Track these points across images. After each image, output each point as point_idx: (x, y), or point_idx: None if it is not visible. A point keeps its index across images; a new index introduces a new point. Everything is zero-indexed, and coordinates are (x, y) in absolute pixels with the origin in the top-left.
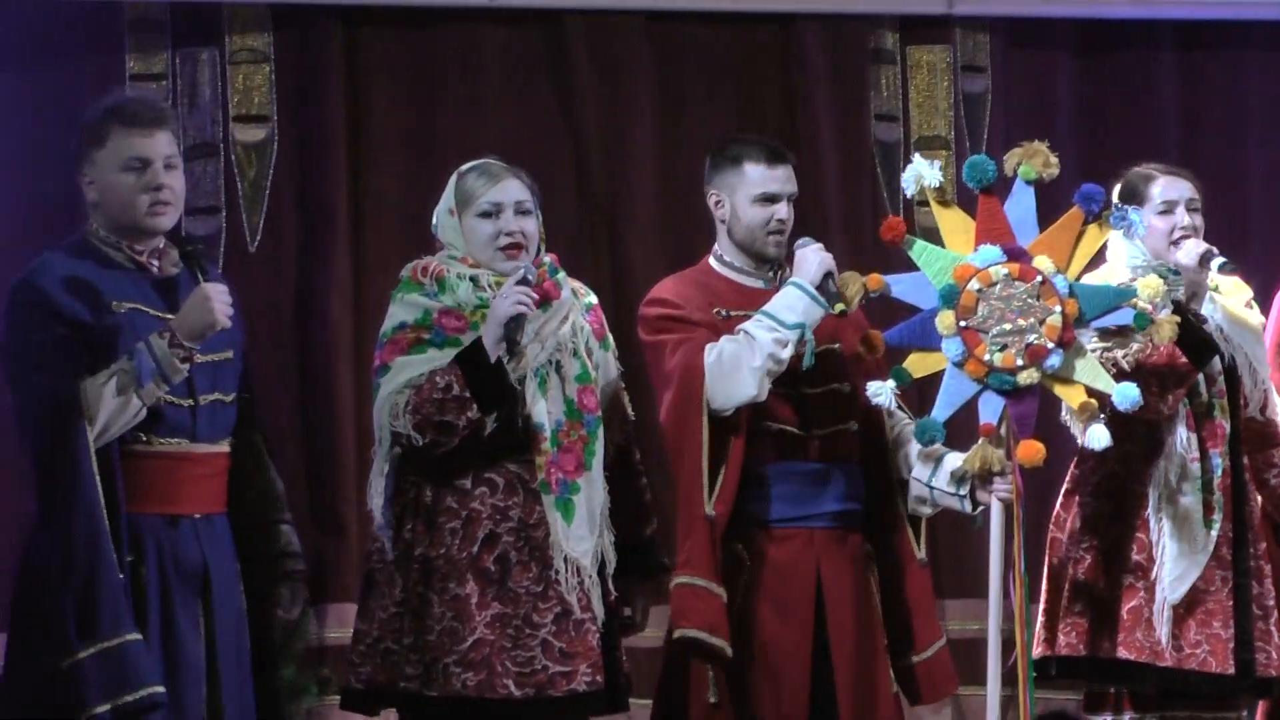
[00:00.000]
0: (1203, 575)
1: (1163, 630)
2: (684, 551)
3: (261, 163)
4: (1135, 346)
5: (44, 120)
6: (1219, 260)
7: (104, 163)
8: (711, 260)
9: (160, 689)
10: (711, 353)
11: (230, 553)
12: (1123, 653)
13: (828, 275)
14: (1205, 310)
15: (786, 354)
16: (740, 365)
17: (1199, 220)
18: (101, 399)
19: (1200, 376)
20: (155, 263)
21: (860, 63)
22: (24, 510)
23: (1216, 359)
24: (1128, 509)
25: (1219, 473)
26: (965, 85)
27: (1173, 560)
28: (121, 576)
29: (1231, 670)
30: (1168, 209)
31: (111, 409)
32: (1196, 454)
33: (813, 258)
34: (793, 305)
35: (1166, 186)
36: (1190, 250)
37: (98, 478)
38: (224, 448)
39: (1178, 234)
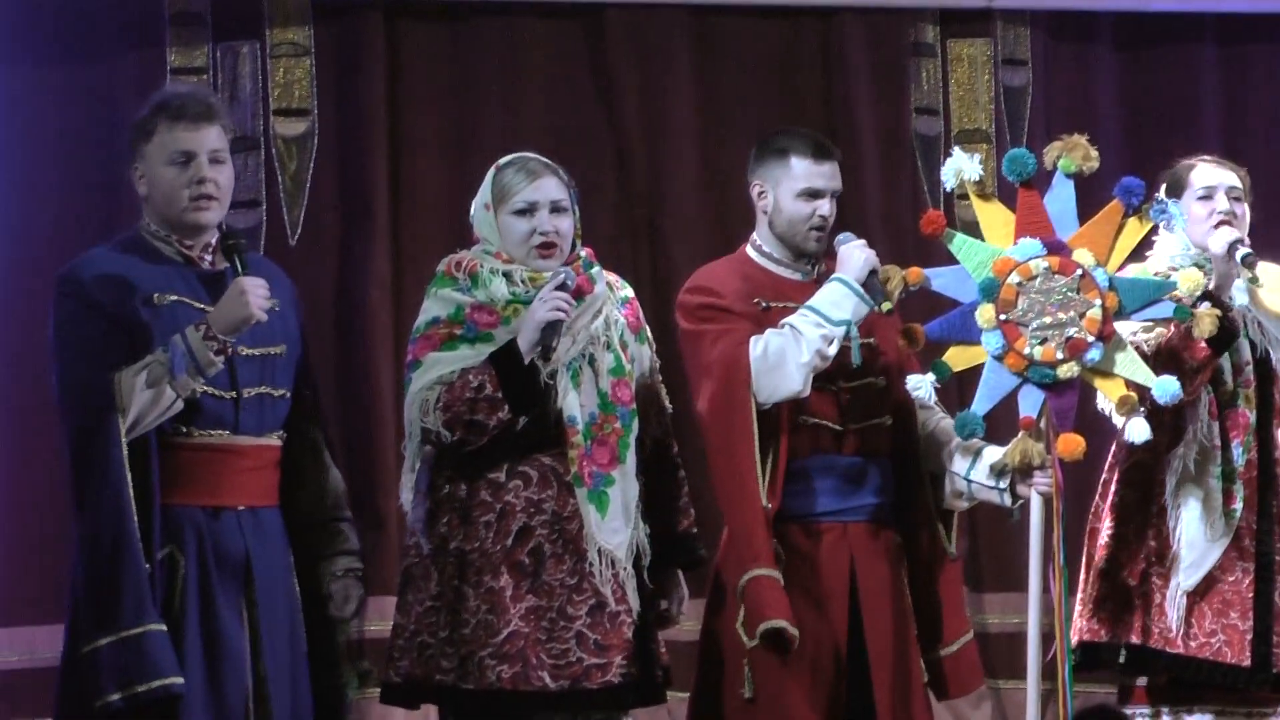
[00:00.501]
0: (1221, 565)
1: (1173, 616)
2: (752, 545)
3: (302, 156)
4: (1157, 331)
5: (86, 114)
6: (1243, 251)
7: (152, 156)
8: (749, 249)
9: (177, 680)
10: (757, 346)
11: (280, 546)
12: (1134, 638)
13: (872, 272)
14: (1235, 300)
15: (833, 350)
16: (786, 360)
17: (1241, 209)
18: (134, 390)
19: (1227, 365)
20: (207, 257)
21: (900, 56)
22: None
23: (1247, 349)
24: (1150, 495)
25: (1241, 462)
26: (1006, 78)
27: (1188, 547)
28: (148, 567)
29: (1248, 662)
30: (1207, 194)
31: (144, 401)
32: (1218, 442)
33: (858, 255)
34: (839, 302)
35: (1207, 173)
36: (1220, 238)
37: (127, 469)
38: (273, 441)
39: (1216, 218)
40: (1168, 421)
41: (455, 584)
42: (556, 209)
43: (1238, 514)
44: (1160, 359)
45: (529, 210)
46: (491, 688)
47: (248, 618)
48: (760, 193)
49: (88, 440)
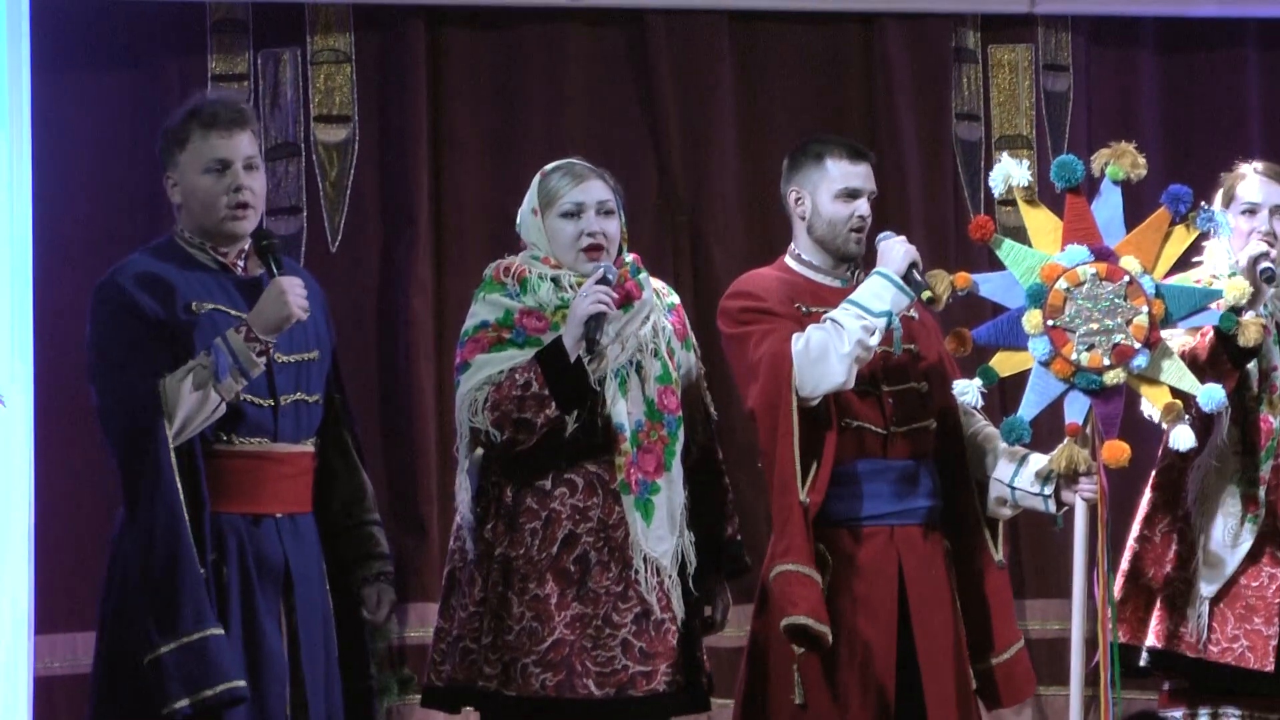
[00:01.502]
0: (1245, 570)
1: (1193, 622)
2: (783, 540)
3: (343, 163)
4: (1182, 340)
5: (128, 121)
6: (1264, 265)
7: (186, 165)
8: (788, 259)
9: (241, 683)
10: (799, 340)
11: (315, 552)
12: (1154, 641)
13: (913, 265)
14: (1263, 312)
15: (875, 341)
16: (828, 352)
17: None
18: (180, 395)
19: (1255, 371)
20: (241, 263)
21: (942, 61)
22: (113, 509)
23: (1276, 354)
24: (1177, 500)
25: (1265, 469)
26: (1047, 84)
27: (1210, 552)
28: (203, 572)
29: (1270, 668)
30: (1251, 210)
31: (190, 405)
32: (1241, 447)
33: (898, 248)
34: (879, 294)
35: (1253, 188)
36: (1247, 251)
37: (177, 474)
38: (308, 447)
39: (1256, 236)
40: (1197, 429)
41: (500, 590)
42: (603, 211)
43: (1260, 520)
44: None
45: (576, 212)
46: (535, 695)
47: (286, 624)
48: (798, 199)
49: (136, 447)
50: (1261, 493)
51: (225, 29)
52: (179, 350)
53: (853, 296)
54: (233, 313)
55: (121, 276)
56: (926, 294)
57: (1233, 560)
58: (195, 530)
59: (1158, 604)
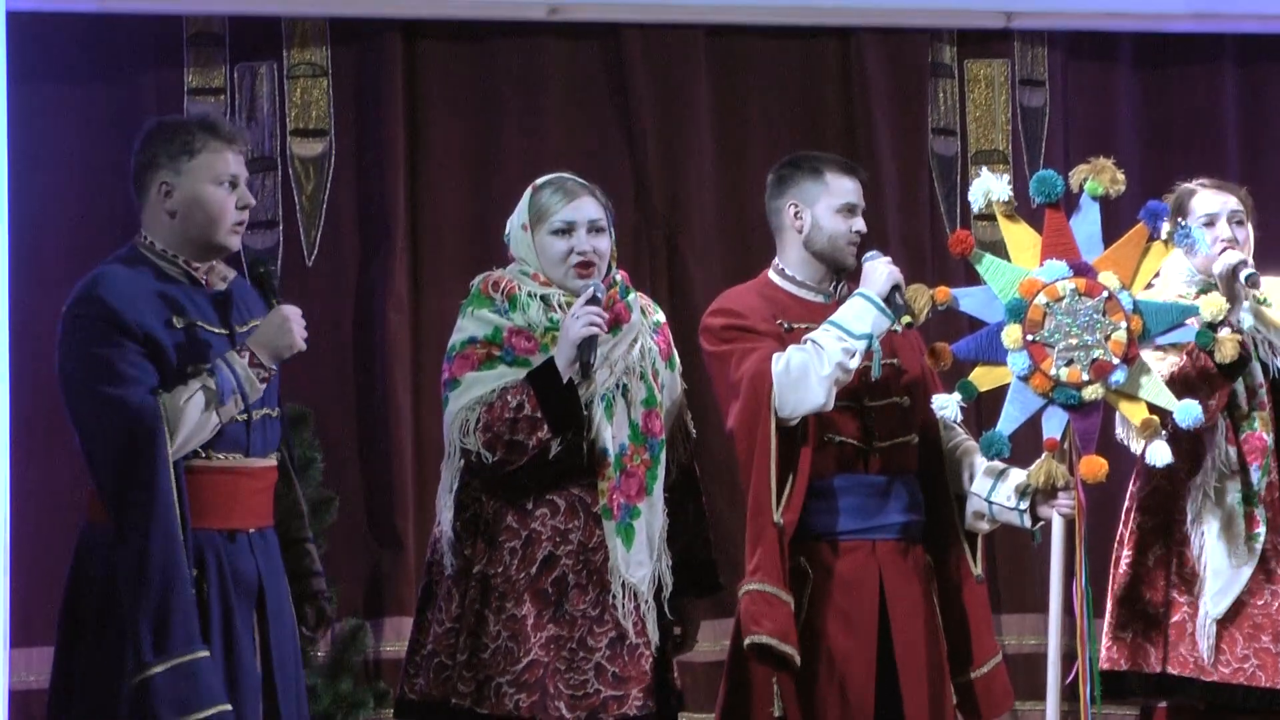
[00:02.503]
0: (1249, 589)
1: (1204, 644)
2: (754, 559)
3: (319, 177)
4: (1170, 360)
5: (104, 133)
6: (1247, 271)
7: (193, 174)
8: (771, 274)
9: (228, 707)
10: (779, 361)
11: (280, 566)
12: (1171, 668)
13: (895, 288)
14: (1243, 322)
15: (854, 364)
16: (808, 374)
17: (1243, 233)
18: (185, 414)
19: (1241, 388)
20: (205, 278)
21: (918, 76)
22: (74, 524)
23: (1259, 371)
24: (1172, 522)
25: (1261, 486)
26: (1023, 99)
27: (1214, 574)
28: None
29: None
30: (1209, 221)
31: (193, 424)
32: (1237, 466)
33: (881, 269)
34: (861, 315)
35: (1208, 200)
36: (1223, 260)
37: (175, 493)
38: (272, 461)
39: (1219, 245)
40: (1186, 449)
41: (477, 608)
42: (594, 229)
43: (1261, 537)
44: (1175, 387)
45: (567, 230)
46: (509, 715)
47: (259, 639)
48: (796, 213)
49: (134, 463)
50: (1260, 510)
51: (202, 43)
52: (163, 365)
53: (834, 318)
54: (207, 327)
55: (99, 289)
56: (906, 319)
57: (1238, 580)
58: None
59: (1163, 629)
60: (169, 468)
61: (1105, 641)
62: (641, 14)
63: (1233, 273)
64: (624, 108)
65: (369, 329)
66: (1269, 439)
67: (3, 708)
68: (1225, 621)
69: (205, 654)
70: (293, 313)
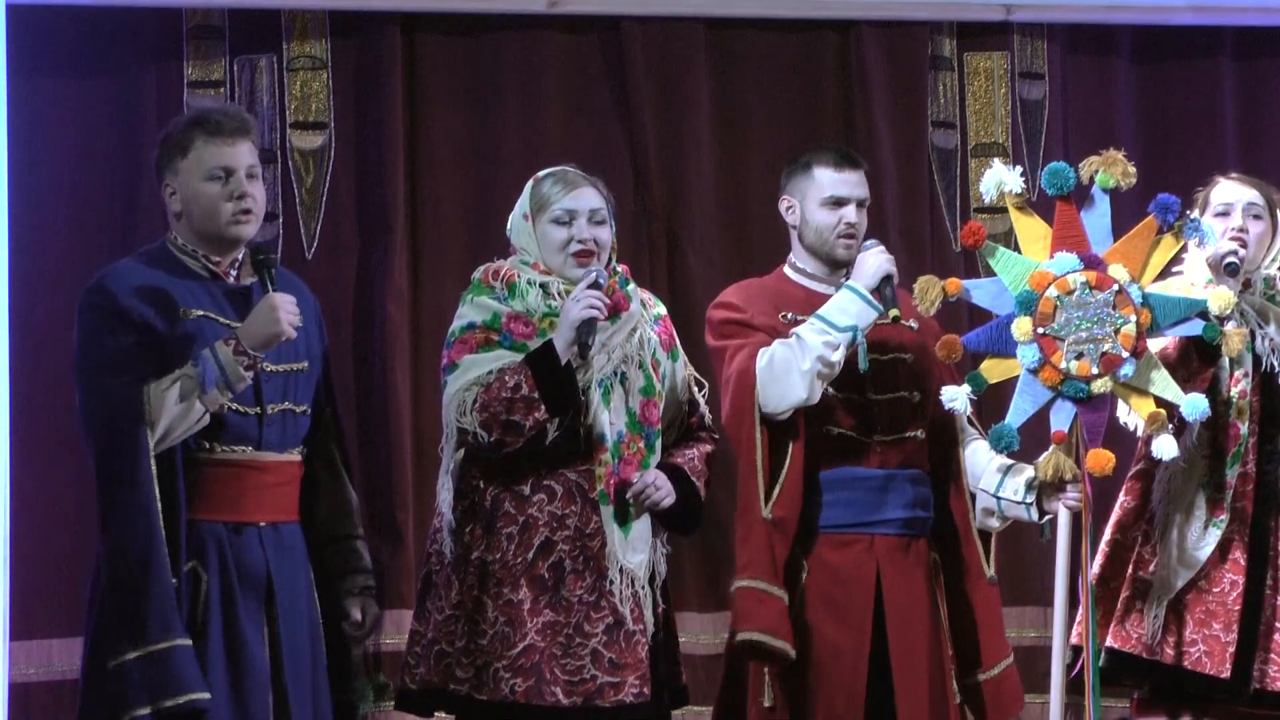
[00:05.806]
0: (1207, 575)
1: (1149, 624)
2: (744, 555)
3: (319, 169)
4: (1155, 342)
5: (104, 127)
6: (1229, 261)
7: (188, 172)
8: (786, 268)
9: (204, 696)
10: (764, 357)
11: (301, 562)
12: (1112, 642)
13: (885, 279)
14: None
15: (837, 357)
16: (790, 369)
17: (1259, 227)
18: (164, 404)
19: (1224, 376)
20: (233, 272)
21: (918, 69)
22: (88, 516)
23: (1249, 360)
24: (1146, 504)
25: (1232, 474)
26: (1023, 92)
27: (1170, 554)
28: (175, 582)
29: (1227, 674)
30: (1224, 211)
31: (173, 414)
32: (1208, 450)
33: (871, 261)
34: (845, 308)
35: (1225, 191)
36: (1215, 250)
37: (155, 482)
38: (294, 457)
39: (1228, 235)
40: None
41: (475, 594)
42: (595, 219)
43: (1223, 525)
44: None
45: (567, 219)
46: (505, 700)
47: (269, 633)
48: (789, 207)
49: (115, 453)
50: (1228, 498)
51: (201, 35)
52: (167, 356)
53: (819, 311)
54: (221, 320)
55: (111, 281)
56: (894, 312)
57: (1194, 564)
58: (171, 538)
59: (1120, 606)
60: (149, 457)
61: (1079, 618)
62: (641, 7)
63: (1220, 260)
64: (624, 101)
65: (368, 321)
66: (1244, 430)
67: (2, 701)
68: (1177, 604)
69: (184, 642)
70: (283, 300)
